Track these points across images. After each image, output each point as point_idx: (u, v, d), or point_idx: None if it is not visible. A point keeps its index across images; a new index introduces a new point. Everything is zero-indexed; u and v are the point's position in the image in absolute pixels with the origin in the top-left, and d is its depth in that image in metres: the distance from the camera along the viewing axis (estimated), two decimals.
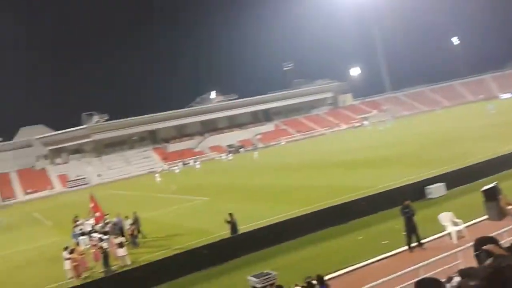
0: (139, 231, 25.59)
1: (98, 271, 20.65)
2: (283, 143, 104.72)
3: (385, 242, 16.59)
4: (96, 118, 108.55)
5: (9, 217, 59.34)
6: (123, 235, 23.48)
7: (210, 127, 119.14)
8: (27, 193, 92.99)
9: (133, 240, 24.35)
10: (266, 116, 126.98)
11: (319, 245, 18.11)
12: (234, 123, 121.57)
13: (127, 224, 25.57)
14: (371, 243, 17.06)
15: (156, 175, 68.27)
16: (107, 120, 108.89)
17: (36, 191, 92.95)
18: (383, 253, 15.44)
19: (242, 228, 20.87)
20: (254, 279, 12.64)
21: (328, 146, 70.14)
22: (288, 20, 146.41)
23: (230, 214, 20.91)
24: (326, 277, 12.26)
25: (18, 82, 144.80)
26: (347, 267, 14.88)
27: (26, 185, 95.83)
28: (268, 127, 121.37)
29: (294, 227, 19.80)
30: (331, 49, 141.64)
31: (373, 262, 14.99)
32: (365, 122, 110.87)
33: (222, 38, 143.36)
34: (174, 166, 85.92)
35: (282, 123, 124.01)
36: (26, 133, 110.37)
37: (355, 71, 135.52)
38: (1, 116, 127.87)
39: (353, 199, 22.56)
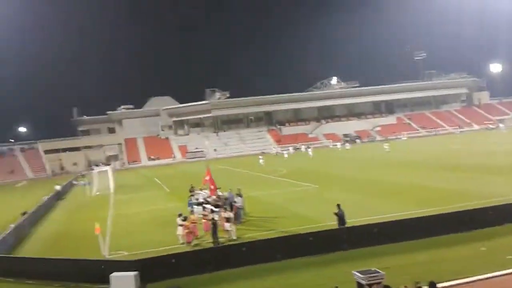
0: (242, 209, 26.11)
1: (206, 240, 21.52)
2: (404, 138, 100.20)
3: (510, 257, 15.34)
4: (218, 94, 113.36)
5: (133, 179, 64.84)
6: (231, 210, 24.07)
7: (327, 114, 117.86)
8: (150, 159, 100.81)
9: (237, 217, 24.84)
10: (388, 107, 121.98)
11: (435, 251, 16.99)
12: (352, 112, 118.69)
13: (236, 201, 26.17)
14: (494, 256, 15.79)
15: (260, 157, 68.78)
16: (228, 98, 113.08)
17: (158, 158, 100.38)
18: (506, 269, 14.27)
19: (351, 221, 20.15)
20: (360, 275, 12.07)
21: (456, 147, 65.60)
22: (425, 6, 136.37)
23: (338, 205, 20.30)
24: (439, 285, 11.28)
25: (153, 55, 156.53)
26: (464, 278, 13.89)
27: (150, 151, 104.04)
28: (390, 119, 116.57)
29: (409, 228, 18.67)
30: (470, 41, 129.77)
31: (493, 277, 13.97)
32: (501, 125, 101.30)
33: (350, 22, 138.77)
34: (284, 150, 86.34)
35: (405, 116, 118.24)
36: (155, 103, 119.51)
37: (495, 68, 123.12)
38: (134, 85, 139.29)
39: (480, 207, 20.85)
